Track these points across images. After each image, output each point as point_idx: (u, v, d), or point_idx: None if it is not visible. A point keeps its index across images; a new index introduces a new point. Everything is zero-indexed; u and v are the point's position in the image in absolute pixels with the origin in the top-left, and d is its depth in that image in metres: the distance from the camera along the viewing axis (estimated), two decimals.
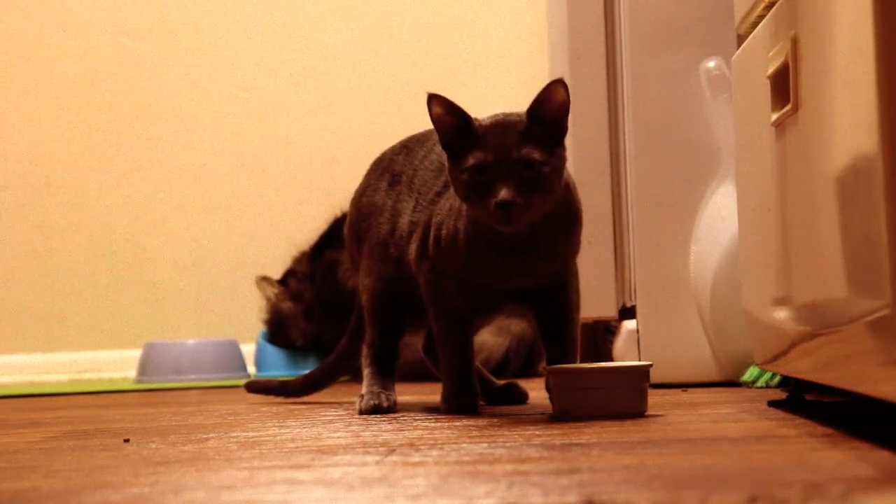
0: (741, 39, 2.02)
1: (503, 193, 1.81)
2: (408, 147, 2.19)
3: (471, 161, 1.85)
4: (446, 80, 4.10)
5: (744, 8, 1.91)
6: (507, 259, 1.94)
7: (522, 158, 1.84)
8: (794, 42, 1.57)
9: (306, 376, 2.47)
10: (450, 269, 1.99)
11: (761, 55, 1.77)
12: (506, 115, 1.89)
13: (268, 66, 4.17)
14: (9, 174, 4.17)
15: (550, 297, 2.01)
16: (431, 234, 2.02)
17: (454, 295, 2.00)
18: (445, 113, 1.88)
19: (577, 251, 2.02)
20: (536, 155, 1.84)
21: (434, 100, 1.88)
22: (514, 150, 1.84)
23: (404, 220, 2.10)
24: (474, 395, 2.05)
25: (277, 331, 3.70)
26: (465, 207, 1.94)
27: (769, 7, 1.77)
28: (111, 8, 4.18)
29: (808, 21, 1.52)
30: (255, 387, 2.53)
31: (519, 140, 1.85)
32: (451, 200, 1.99)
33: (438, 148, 2.06)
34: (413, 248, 2.06)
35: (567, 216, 1.96)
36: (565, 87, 1.86)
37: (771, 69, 1.68)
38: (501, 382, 2.26)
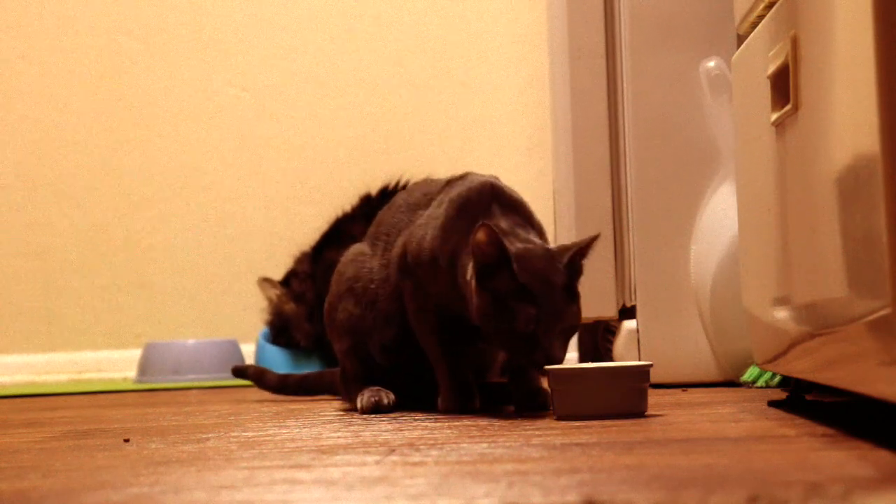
0: (741, 39, 2.02)
1: (556, 352, 1.84)
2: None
3: (521, 316, 1.84)
4: (446, 79, 4.10)
5: (744, 8, 1.91)
6: None
7: (571, 323, 1.88)
8: (794, 42, 1.57)
9: (293, 377, 2.61)
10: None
11: (761, 55, 1.77)
12: (547, 262, 1.87)
13: (268, 66, 4.17)
14: (9, 174, 4.17)
15: None
16: (409, 255, 2.05)
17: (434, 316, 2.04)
18: (488, 243, 1.86)
19: None
20: (579, 317, 1.89)
21: (484, 228, 1.86)
22: (566, 314, 1.86)
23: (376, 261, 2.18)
24: (471, 396, 2.05)
25: (281, 332, 3.70)
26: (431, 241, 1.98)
27: (769, 7, 1.77)
28: (111, 8, 4.18)
29: (808, 21, 1.52)
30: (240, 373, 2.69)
31: (565, 299, 1.87)
32: (425, 230, 2.02)
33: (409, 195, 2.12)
34: (395, 255, 2.10)
35: None
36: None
37: (771, 69, 1.68)
38: (499, 381, 2.26)
